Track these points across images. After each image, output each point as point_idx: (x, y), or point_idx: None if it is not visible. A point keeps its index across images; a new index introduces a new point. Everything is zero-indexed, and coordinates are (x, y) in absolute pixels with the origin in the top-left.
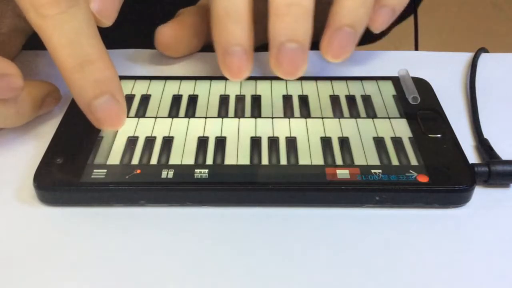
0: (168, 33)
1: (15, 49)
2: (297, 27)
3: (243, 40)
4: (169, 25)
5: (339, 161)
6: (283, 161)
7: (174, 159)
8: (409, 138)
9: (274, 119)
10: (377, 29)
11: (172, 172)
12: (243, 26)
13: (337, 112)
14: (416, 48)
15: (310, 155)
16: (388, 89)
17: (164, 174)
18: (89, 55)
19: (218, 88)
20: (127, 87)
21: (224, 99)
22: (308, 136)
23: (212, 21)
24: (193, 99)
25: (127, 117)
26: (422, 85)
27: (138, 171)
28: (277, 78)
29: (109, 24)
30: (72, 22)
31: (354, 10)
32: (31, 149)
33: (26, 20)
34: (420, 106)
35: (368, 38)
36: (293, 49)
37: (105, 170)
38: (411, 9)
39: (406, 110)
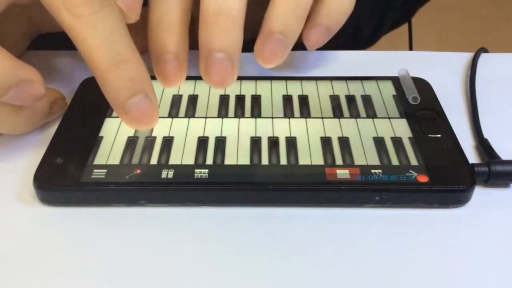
0: None
1: (21, 53)
2: (224, 37)
3: (175, 49)
4: None
5: (339, 161)
6: (283, 161)
7: (174, 159)
8: (409, 138)
9: (274, 119)
10: (311, 47)
11: (172, 172)
12: (174, 35)
13: (337, 112)
14: (410, 49)
15: (310, 155)
16: (388, 89)
17: (164, 174)
18: (124, 54)
19: None
20: None
21: (224, 99)
22: (308, 136)
23: (147, 30)
24: (193, 99)
25: None
26: (422, 85)
27: (138, 171)
28: (277, 78)
29: (136, 19)
30: (106, 22)
31: (284, 17)
32: (31, 149)
33: (36, 26)
34: (420, 106)
35: (358, 44)
36: (221, 59)
37: (105, 170)
38: (405, 18)
39: (406, 110)
